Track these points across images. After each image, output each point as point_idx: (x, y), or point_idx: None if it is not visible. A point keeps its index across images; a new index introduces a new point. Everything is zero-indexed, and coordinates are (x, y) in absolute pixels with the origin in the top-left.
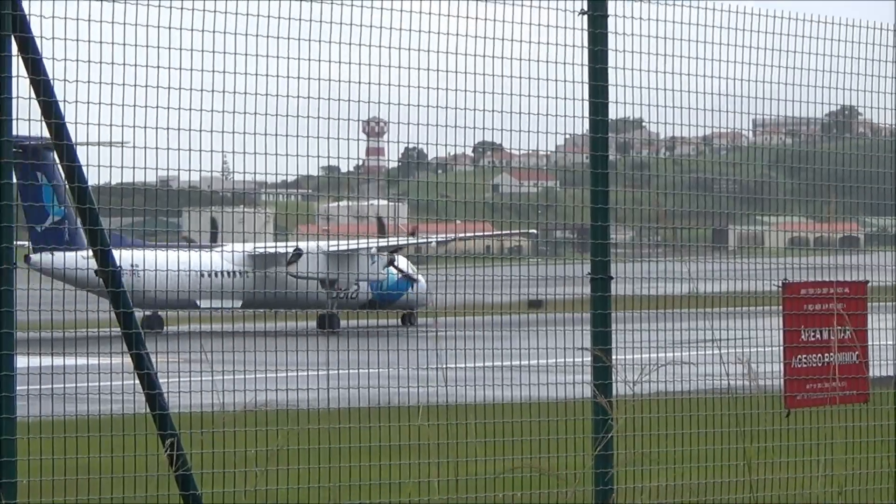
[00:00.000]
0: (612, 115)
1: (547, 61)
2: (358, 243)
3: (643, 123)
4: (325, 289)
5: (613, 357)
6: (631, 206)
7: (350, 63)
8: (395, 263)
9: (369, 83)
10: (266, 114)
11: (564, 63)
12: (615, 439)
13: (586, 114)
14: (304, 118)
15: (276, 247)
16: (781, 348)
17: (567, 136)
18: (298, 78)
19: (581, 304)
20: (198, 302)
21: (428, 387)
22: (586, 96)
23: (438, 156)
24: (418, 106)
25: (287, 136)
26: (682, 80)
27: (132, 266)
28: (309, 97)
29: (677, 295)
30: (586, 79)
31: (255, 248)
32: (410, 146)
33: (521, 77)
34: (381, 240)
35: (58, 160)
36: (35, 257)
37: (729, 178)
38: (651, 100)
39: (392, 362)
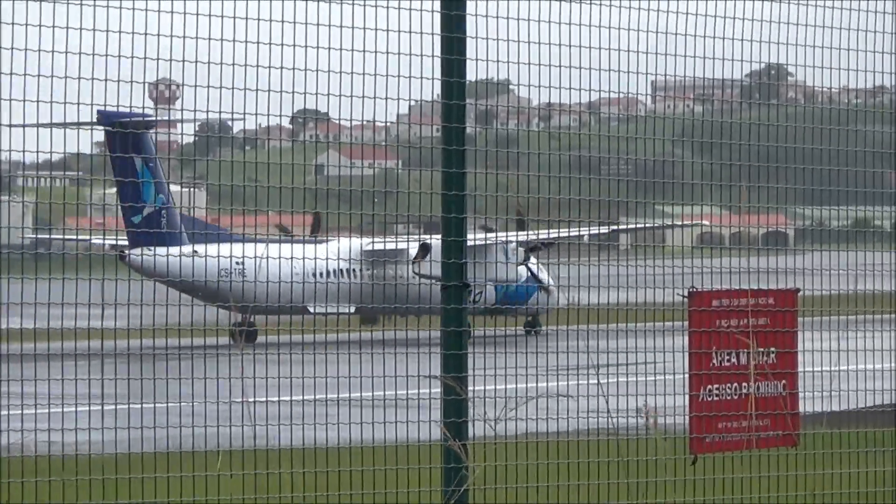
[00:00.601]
0: (470, 75)
1: (388, 5)
2: (497, 237)
3: (510, 86)
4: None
5: (470, 388)
6: (494, 192)
7: (134, 9)
8: (529, 261)
9: (158, 35)
10: (25, 74)
11: (410, 8)
12: (470, 493)
13: (437, 74)
14: (73, 79)
15: (395, 241)
16: (686, 376)
17: (412, 103)
18: (67, 28)
19: (429, 320)
20: (310, 307)
21: (231, 426)
22: (437, 52)
23: (246, 129)
24: (221, 64)
25: (52, 102)
26: (562, 30)
27: (236, 263)
28: (81, 52)
29: (555, 307)
30: (437, 29)
31: (371, 242)
32: (211, 116)
33: (353, 27)
34: (519, 233)
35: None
36: (135, 254)
37: (621, 157)
38: (521, 56)
39: (185, 395)
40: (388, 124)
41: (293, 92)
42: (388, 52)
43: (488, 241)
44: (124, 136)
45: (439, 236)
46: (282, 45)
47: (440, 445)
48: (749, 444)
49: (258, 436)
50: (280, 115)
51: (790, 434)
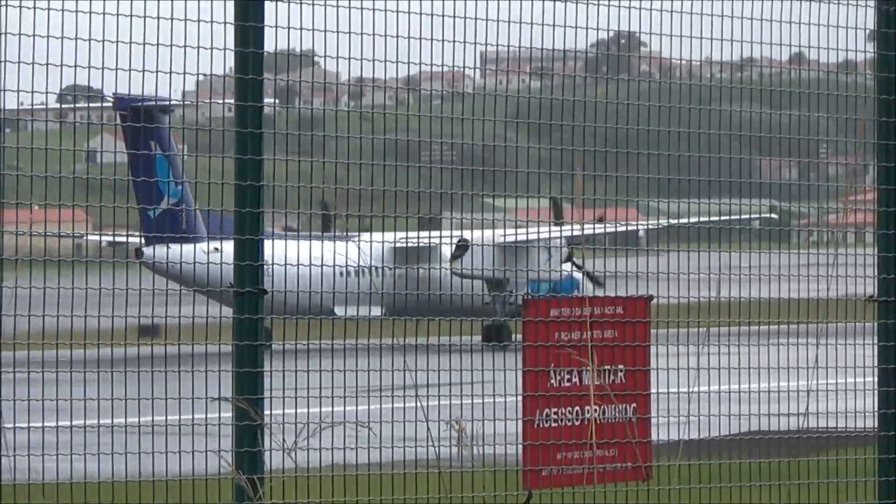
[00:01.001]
0: (268, 45)
1: None
2: (539, 233)
3: (315, 59)
4: (492, 291)
5: (267, 411)
6: (296, 183)
7: None
8: (574, 259)
9: None
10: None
11: None
12: None
13: (230, 44)
14: None
15: (430, 237)
16: (519, 398)
17: (200, 78)
18: None
19: (219, 332)
20: (335, 309)
21: None
22: (230, 18)
23: (6, 108)
24: None
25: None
26: None
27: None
28: None
29: (365, 317)
30: None
31: (398, 238)
32: None
33: None
34: (558, 227)
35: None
36: (148, 251)
37: (445, 141)
38: (328, 23)
39: None
40: (172, 103)
41: (61, 65)
42: (172, 18)
43: (530, 238)
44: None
45: (479, 232)
46: (48, 9)
47: (232, 480)
48: (589, 479)
49: (13, 468)
50: (46, 93)
51: (640, 466)
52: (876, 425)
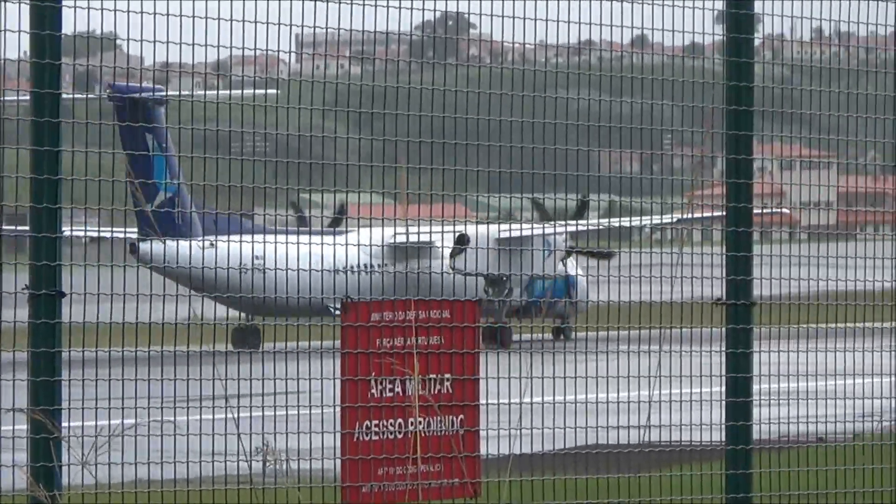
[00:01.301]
0: (67, 28)
1: None
2: (545, 228)
3: (117, 42)
4: (489, 288)
5: (65, 423)
6: (97, 176)
7: None
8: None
9: None
10: None
11: None
12: None
13: (25, 26)
14: None
15: (430, 233)
16: (337, 409)
17: None
18: None
19: (28, 337)
20: (331, 307)
21: None
22: None
23: None
24: None
25: None
26: None
27: (254, 259)
28: None
29: (162, 322)
30: None
31: (394, 234)
32: None
33: None
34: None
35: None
36: (144, 247)
37: (257, 132)
38: (131, 3)
39: None
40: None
41: None
42: None
43: (524, 233)
44: (136, 114)
45: (476, 226)
46: None
47: (28, 497)
48: (413, 495)
49: None
50: None
51: (468, 482)
52: (723, 438)
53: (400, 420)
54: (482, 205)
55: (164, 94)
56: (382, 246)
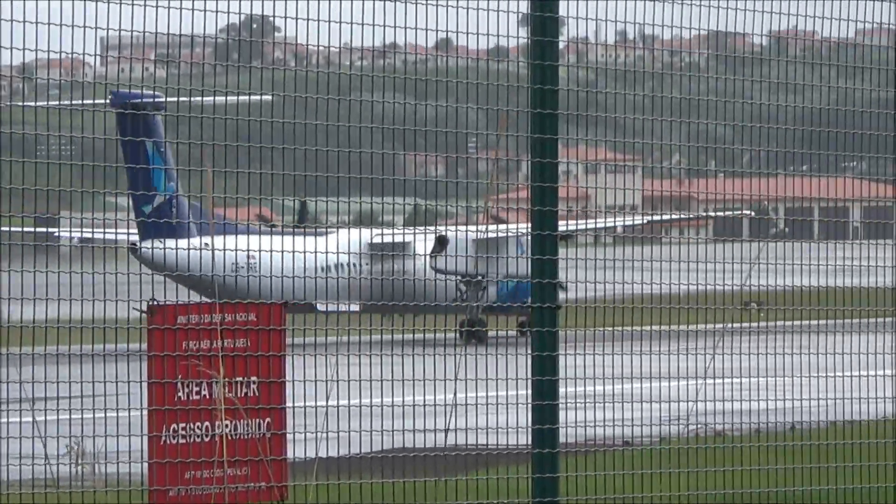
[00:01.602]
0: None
1: None
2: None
3: None
4: (466, 287)
5: None
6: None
7: None
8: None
9: None
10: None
11: None
12: None
13: None
14: None
15: (403, 233)
16: (144, 412)
17: None
18: None
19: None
20: (317, 304)
21: None
22: None
23: None
24: None
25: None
26: None
27: (248, 257)
28: None
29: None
30: None
31: (377, 234)
32: None
33: None
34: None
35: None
36: (146, 247)
37: (63, 136)
38: None
39: None
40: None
41: None
42: None
43: (500, 234)
44: (135, 119)
45: (454, 228)
46: None
47: None
48: (222, 498)
49: None
50: None
51: (274, 486)
52: (529, 442)
53: (207, 423)
54: (288, 208)
55: (162, 100)
56: (360, 246)
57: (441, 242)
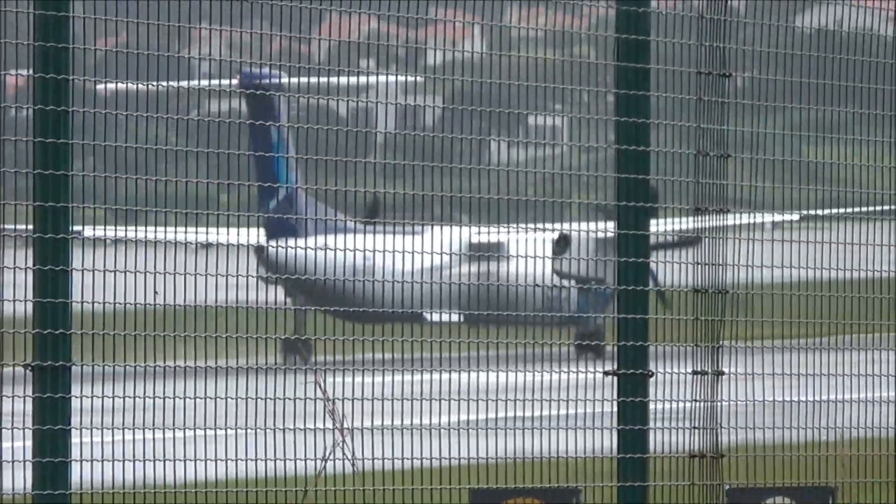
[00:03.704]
0: None
1: None
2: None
3: None
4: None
5: None
6: None
7: None
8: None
9: None
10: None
11: None
12: None
13: None
14: None
15: (507, 230)
16: None
17: None
18: None
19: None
20: (426, 314)
21: None
22: None
23: None
24: None
25: None
26: None
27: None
28: None
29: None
30: None
31: (478, 233)
32: None
33: None
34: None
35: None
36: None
37: None
38: None
39: None
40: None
41: None
42: None
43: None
44: (263, 103)
45: (577, 227)
46: None
47: None
48: None
49: None
50: None
51: None
52: None
53: None
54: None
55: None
56: (460, 246)
57: (563, 241)
